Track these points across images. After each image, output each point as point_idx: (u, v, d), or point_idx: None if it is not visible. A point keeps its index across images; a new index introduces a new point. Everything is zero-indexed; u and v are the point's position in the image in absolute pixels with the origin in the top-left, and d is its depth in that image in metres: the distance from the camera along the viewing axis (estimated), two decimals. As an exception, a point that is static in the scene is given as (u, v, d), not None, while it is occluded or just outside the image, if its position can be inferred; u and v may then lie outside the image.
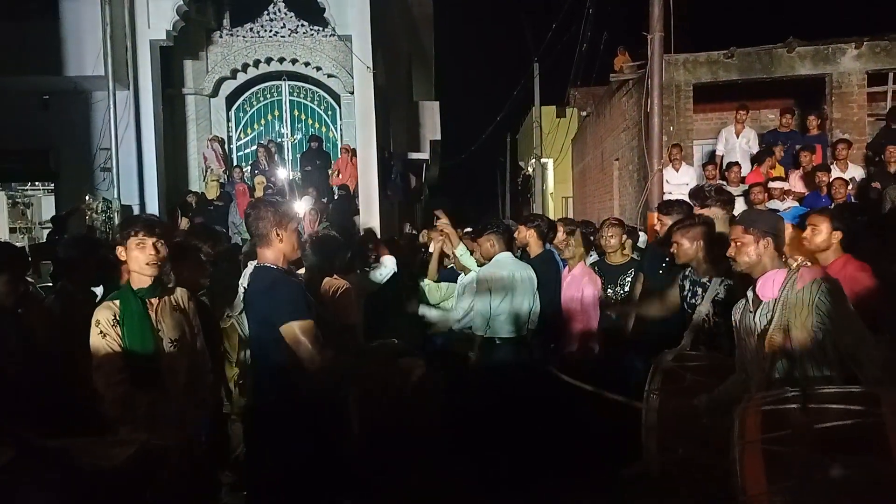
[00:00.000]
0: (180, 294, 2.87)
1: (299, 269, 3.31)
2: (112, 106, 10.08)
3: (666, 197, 8.24)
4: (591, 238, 5.16)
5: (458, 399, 4.19)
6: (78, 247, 3.64)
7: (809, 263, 3.35)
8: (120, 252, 2.67)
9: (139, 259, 2.62)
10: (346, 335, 3.44)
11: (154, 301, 2.71)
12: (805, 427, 1.85)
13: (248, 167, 12.13)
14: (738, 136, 9.55)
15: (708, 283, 3.39)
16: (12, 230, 15.54)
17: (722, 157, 9.51)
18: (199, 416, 2.80)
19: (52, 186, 12.15)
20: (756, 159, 9.05)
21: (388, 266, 4.57)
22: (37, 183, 15.37)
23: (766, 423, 1.91)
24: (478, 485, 3.89)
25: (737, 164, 8.78)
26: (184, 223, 10.02)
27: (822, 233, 3.36)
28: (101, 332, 2.58)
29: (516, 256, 4.63)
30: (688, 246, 3.44)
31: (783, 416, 1.92)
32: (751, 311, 2.55)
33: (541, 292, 4.43)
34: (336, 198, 11.21)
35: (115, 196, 10.22)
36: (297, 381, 2.58)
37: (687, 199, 8.89)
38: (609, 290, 4.48)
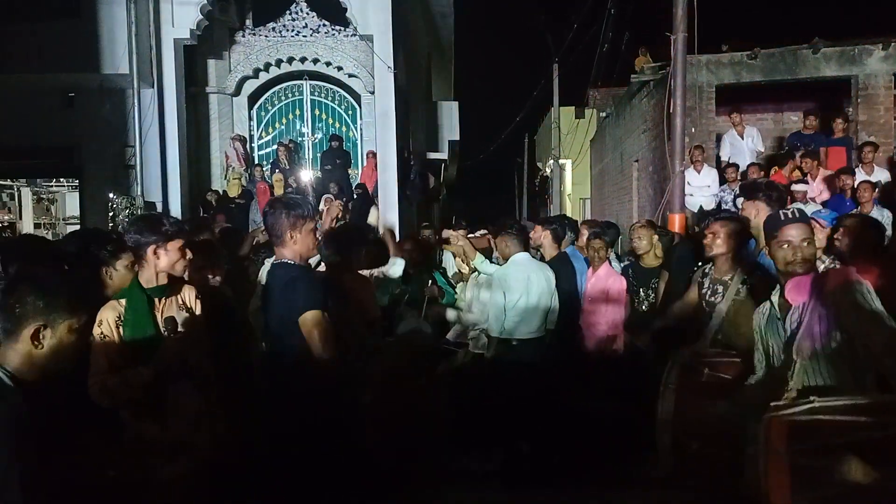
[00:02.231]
0: (187, 292, 2.78)
1: (317, 267, 3.33)
2: (136, 104, 10.21)
3: (687, 199, 8.19)
4: (609, 239, 5.16)
5: (470, 395, 4.19)
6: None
7: (839, 264, 3.30)
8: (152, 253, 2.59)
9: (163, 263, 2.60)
10: (367, 330, 3.46)
11: (160, 300, 2.63)
12: (832, 439, 1.82)
13: (269, 166, 12.23)
14: (742, 137, 9.49)
15: (729, 282, 3.32)
16: (37, 225, 15.83)
17: (728, 161, 9.42)
18: (218, 413, 2.80)
19: (76, 183, 12.33)
20: (777, 162, 8.94)
21: (399, 264, 4.72)
22: (61, 179, 15.65)
23: (792, 433, 1.87)
24: (493, 482, 3.89)
25: (754, 164, 8.72)
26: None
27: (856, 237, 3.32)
28: (102, 333, 2.48)
29: (534, 257, 4.63)
30: (723, 239, 3.35)
31: (810, 426, 1.89)
32: (778, 318, 2.49)
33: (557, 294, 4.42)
34: (355, 197, 11.27)
35: (139, 193, 10.35)
36: (313, 375, 2.60)
37: (705, 199, 8.78)
38: (641, 293, 4.49)
